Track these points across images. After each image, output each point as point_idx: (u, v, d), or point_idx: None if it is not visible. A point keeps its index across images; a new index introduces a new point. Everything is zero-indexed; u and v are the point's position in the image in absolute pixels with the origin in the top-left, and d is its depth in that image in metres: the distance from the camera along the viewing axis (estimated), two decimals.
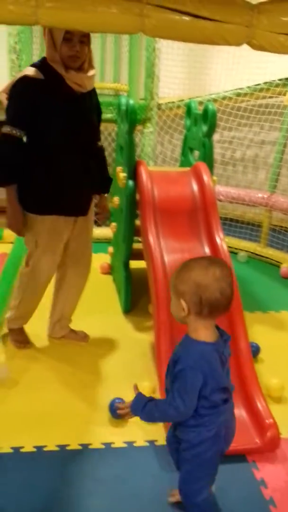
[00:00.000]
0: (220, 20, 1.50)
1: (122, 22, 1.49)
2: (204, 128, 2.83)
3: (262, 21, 1.53)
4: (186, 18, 1.50)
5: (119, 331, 2.65)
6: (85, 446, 1.80)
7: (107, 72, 4.44)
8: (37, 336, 2.52)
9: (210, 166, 2.82)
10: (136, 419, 1.80)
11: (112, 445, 1.81)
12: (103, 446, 1.81)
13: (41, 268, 2.28)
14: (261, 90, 3.85)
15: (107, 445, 1.81)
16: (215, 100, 3.83)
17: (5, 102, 2.06)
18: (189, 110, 3.18)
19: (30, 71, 2.01)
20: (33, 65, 2.06)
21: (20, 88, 2.00)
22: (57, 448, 1.78)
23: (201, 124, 2.89)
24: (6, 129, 2.00)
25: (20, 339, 2.47)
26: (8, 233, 3.97)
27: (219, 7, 1.51)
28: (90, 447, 1.80)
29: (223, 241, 2.49)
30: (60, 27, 1.81)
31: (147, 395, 1.95)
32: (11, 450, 1.76)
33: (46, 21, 1.47)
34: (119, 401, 1.92)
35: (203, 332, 1.30)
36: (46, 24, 1.57)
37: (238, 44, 1.57)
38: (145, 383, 2.07)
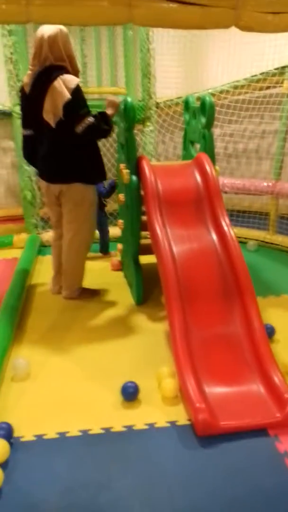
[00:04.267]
0: (207, 4, 1.54)
1: (112, 13, 1.54)
2: (203, 120, 2.87)
3: (248, 2, 1.57)
4: (174, 5, 1.54)
5: (133, 322, 2.68)
6: (107, 430, 1.82)
7: (104, 77, 4.52)
8: (54, 329, 2.58)
9: (212, 157, 2.85)
10: (157, 402, 1.89)
11: (134, 427, 1.83)
12: (125, 429, 1.83)
13: (93, 228, 2.97)
14: (258, 81, 3.89)
15: (129, 427, 1.83)
16: (212, 94, 3.89)
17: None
18: (187, 105, 3.24)
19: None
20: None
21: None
22: (79, 433, 1.81)
23: (199, 117, 2.94)
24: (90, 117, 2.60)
25: (91, 291, 3.01)
26: (18, 239, 4.04)
27: None
28: (112, 430, 1.82)
29: (229, 226, 2.52)
30: (51, 23, 1.88)
31: (166, 379, 2.01)
32: (34, 438, 1.79)
33: (37, 18, 1.53)
34: (131, 384, 1.96)
35: None
36: (38, 20, 1.62)
37: (226, 26, 1.61)
38: (163, 368, 2.10)
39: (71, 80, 2.57)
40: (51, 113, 2.58)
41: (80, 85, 2.62)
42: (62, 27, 2.58)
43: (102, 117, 2.67)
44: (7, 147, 4.43)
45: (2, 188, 4.65)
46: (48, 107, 2.57)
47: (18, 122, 3.87)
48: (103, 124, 2.66)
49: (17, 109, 3.83)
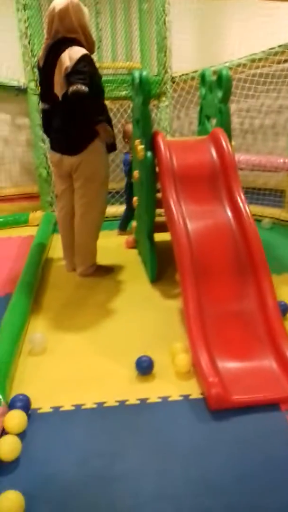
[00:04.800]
0: None
1: None
2: (220, 94, 2.82)
3: None
4: None
5: (147, 299, 2.70)
6: (121, 403, 1.86)
7: (119, 51, 4.45)
8: (69, 305, 2.61)
9: (228, 132, 2.81)
10: (170, 377, 1.90)
11: (148, 401, 1.87)
12: (138, 402, 1.86)
13: (105, 205, 2.97)
14: (276, 54, 3.79)
15: (143, 400, 1.87)
16: (229, 68, 3.79)
17: None
18: (203, 79, 3.17)
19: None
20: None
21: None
22: (94, 406, 1.85)
23: (216, 91, 2.88)
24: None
25: (106, 268, 3.05)
26: (34, 217, 4.07)
27: None
28: (127, 403, 1.86)
29: (245, 203, 2.49)
30: None
31: (180, 354, 2.03)
32: (50, 410, 1.83)
33: None
34: (146, 358, 1.98)
35: None
36: None
37: None
38: (177, 344, 2.12)
39: (78, 51, 2.52)
40: (59, 86, 2.57)
41: (92, 57, 2.57)
42: None
43: (107, 119, 2.74)
44: (22, 124, 4.42)
45: (17, 166, 4.67)
46: (57, 80, 2.56)
47: (33, 98, 3.85)
48: (91, 104, 2.57)
49: (32, 85, 3.82)
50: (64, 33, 2.56)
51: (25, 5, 3.67)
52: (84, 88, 2.45)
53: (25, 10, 3.70)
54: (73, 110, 2.58)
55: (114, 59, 4.44)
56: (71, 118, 2.65)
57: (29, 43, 3.76)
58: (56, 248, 3.44)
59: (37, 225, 3.89)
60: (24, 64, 3.84)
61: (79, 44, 2.57)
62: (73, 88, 2.45)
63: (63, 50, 2.52)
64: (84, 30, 2.61)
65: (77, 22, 2.56)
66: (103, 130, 2.70)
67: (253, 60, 3.89)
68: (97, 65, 4.18)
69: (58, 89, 2.59)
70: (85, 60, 2.52)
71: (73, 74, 2.48)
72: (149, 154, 2.74)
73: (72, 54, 2.50)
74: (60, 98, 2.61)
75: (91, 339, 2.32)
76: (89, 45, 2.65)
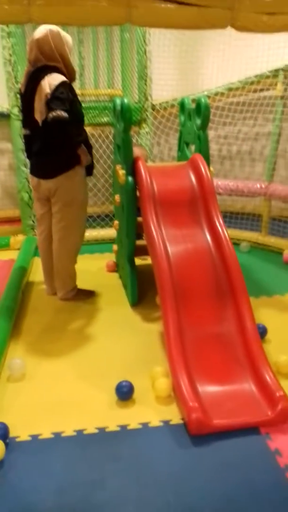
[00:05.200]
0: (204, 5, 1.57)
1: (111, 13, 1.57)
2: (198, 121, 2.90)
3: (244, 3, 1.60)
4: (171, 5, 1.57)
5: (127, 323, 2.70)
6: (101, 430, 1.84)
7: (101, 79, 4.53)
8: (50, 330, 2.60)
9: (207, 158, 2.87)
10: (150, 402, 1.89)
11: (128, 427, 1.85)
12: (119, 428, 1.84)
13: (83, 230, 2.99)
14: (252, 83, 3.92)
15: (123, 427, 1.85)
16: (208, 97, 3.90)
17: None
18: (182, 106, 3.26)
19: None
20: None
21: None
22: (74, 433, 1.82)
23: (195, 118, 2.96)
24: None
25: (87, 292, 3.06)
26: (15, 241, 4.05)
27: None
28: (107, 430, 1.84)
29: (223, 227, 2.54)
30: (52, 23, 1.90)
31: (160, 378, 2.02)
32: (29, 438, 1.80)
33: (38, 18, 1.56)
34: (125, 383, 1.98)
35: None
36: (38, 20, 1.65)
37: (222, 26, 1.64)
38: (157, 368, 2.12)
39: (57, 78, 2.55)
40: (38, 112, 2.61)
41: (71, 83, 2.60)
42: (53, 27, 2.56)
43: (87, 145, 2.80)
44: (4, 149, 4.43)
45: None
46: (37, 106, 2.61)
47: (16, 123, 3.88)
48: (72, 130, 2.62)
49: (15, 110, 3.85)
50: (45, 61, 2.61)
51: (10, 33, 3.73)
52: (63, 114, 2.49)
53: (9, 38, 3.76)
54: (51, 136, 2.62)
55: (96, 86, 4.51)
56: (50, 143, 2.68)
57: (12, 70, 3.81)
58: (37, 272, 3.42)
59: (18, 249, 3.87)
60: (8, 90, 3.88)
61: (60, 71, 2.62)
62: (53, 114, 2.49)
63: (43, 77, 2.57)
64: (64, 59, 2.66)
65: (56, 51, 2.60)
66: (81, 151, 2.74)
67: (230, 89, 4.01)
68: (80, 91, 4.25)
69: (38, 115, 2.63)
70: (64, 87, 2.57)
71: (53, 100, 2.52)
72: (130, 179, 2.78)
73: (51, 81, 2.55)
74: (40, 124, 2.64)
75: (71, 363, 2.30)
76: (70, 73, 2.70)
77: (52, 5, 1.54)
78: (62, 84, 2.55)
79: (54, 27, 2.58)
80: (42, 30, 2.57)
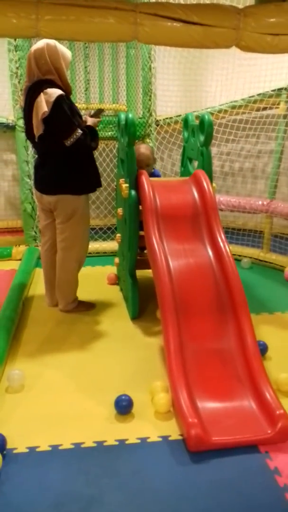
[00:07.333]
0: (210, 24, 1.61)
1: (118, 30, 1.60)
2: (202, 137, 2.92)
3: (249, 24, 1.63)
4: (178, 24, 1.61)
5: (128, 336, 2.69)
6: (99, 443, 1.82)
7: (106, 94, 4.60)
8: (50, 341, 2.59)
9: (209, 174, 2.90)
10: (149, 417, 1.90)
11: (126, 442, 1.83)
12: (117, 443, 1.83)
13: (86, 242, 3.00)
14: (255, 101, 3.97)
15: (121, 441, 1.84)
16: (211, 114, 3.95)
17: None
18: (186, 123, 3.30)
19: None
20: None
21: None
22: (72, 446, 1.81)
23: (198, 135, 2.99)
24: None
25: (87, 304, 3.06)
26: (17, 251, 4.06)
27: (208, 12, 1.62)
28: (105, 444, 1.82)
29: (225, 243, 2.55)
30: (59, 38, 1.94)
31: (159, 394, 2.01)
32: (26, 450, 1.78)
33: (46, 33, 1.59)
34: (125, 397, 1.96)
35: None
36: (46, 35, 1.68)
37: (227, 46, 1.67)
38: (157, 382, 2.11)
39: (52, 93, 2.55)
40: (35, 128, 2.64)
41: (65, 97, 2.61)
42: (49, 41, 2.56)
43: (90, 131, 2.73)
44: (9, 160, 4.48)
45: (3, 200, 4.69)
46: (34, 122, 2.64)
47: (21, 135, 3.92)
48: (89, 140, 2.71)
49: (21, 122, 3.89)
50: (41, 75, 2.63)
51: (16, 46, 3.80)
52: (78, 134, 2.60)
53: (16, 51, 3.82)
54: (47, 153, 2.68)
55: (101, 100, 4.58)
56: (47, 159, 2.72)
57: (19, 82, 3.87)
58: (38, 283, 3.42)
59: (20, 259, 3.88)
60: (14, 102, 3.94)
61: (55, 84, 2.63)
62: (70, 140, 2.59)
63: (38, 93, 2.58)
64: (59, 72, 2.66)
65: (52, 64, 2.62)
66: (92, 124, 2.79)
67: (233, 107, 4.06)
68: (85, 105, 4.30)
69: (35, 131, 2.66)
70: (62, 102, 2.57)
71: (55, 122, 2.56)
72: (133, 192, 2.80)
73: (48, 98, 2.55)
74: (36, 139, 2.68)
75: (70, 376, 2.29)
76: (65, 86, 2.71)
77: (60, 20, 1.57)
78: (58, 99, 2.55)
79: (52, 41, 2.58)
80: (39, 44, 2.60)
